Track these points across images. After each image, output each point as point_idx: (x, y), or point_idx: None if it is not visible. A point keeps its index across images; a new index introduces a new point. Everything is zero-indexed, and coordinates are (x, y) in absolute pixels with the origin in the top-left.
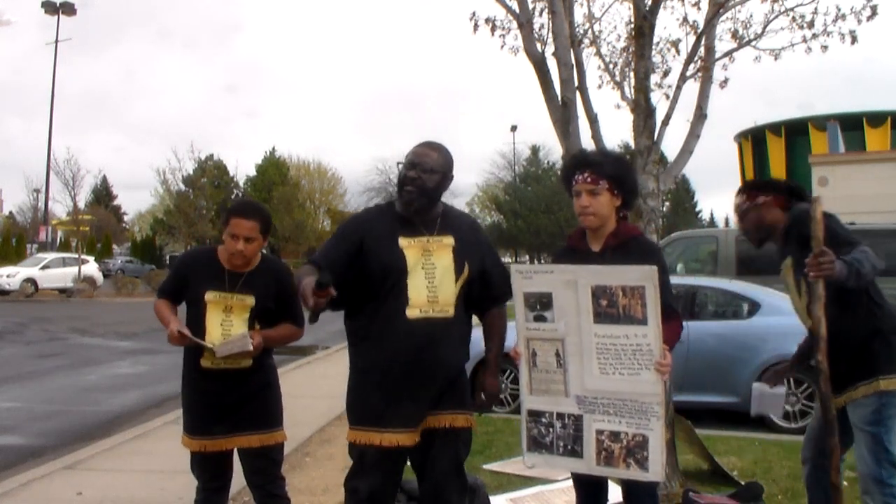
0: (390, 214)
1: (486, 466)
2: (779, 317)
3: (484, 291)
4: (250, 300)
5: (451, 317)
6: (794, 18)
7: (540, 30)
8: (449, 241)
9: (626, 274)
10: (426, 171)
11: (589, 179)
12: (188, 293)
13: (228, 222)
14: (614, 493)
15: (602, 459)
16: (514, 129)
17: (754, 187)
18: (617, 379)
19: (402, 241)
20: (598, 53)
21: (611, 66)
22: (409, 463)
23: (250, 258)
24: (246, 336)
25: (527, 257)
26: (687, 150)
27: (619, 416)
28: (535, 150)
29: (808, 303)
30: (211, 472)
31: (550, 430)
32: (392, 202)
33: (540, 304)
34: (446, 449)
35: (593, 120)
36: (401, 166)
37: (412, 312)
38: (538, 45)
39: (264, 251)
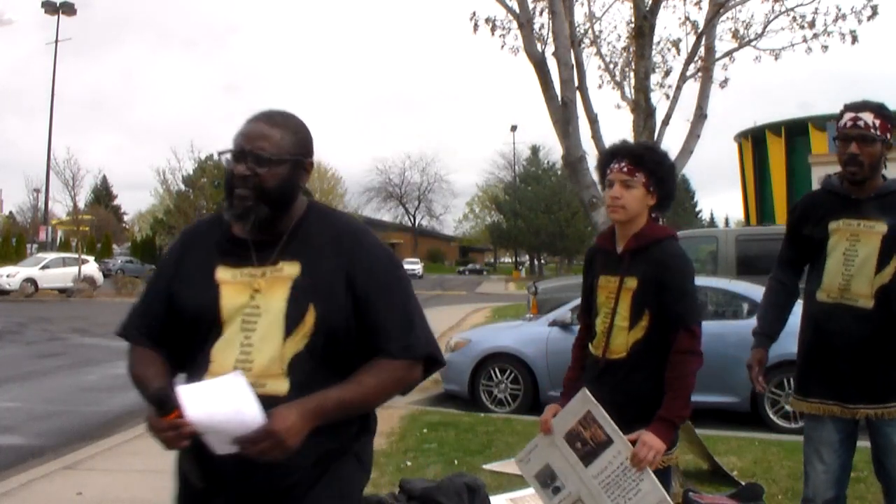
0: (217, 230)
1: (486, 466)
2: None
3: (370, 340)
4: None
5: (282, 395)
6: (794, 18)
7: (540, 30)
8: (292, 269)
9: (573, 409)
10: (264, 162)
11: (625, 169)
12: None
13: None
14: None
15: None
16: (514, 129)
17: (893, 120)
18: None
19: (221, 273)
20: (599, 53)
21: (611, 66)
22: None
23: None
24: None
25: (526, 257)
26: (687, 150)
27: None
28: (535, 150)
29: (885, 284)
30: None
31: None
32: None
33: (549, 479)
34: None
35: (593, 120)
36: (224, 158)
37: None
38: (538, 45)
39: None
